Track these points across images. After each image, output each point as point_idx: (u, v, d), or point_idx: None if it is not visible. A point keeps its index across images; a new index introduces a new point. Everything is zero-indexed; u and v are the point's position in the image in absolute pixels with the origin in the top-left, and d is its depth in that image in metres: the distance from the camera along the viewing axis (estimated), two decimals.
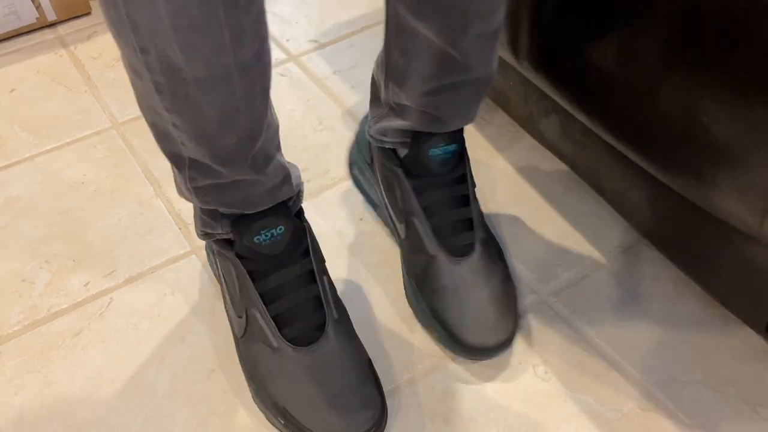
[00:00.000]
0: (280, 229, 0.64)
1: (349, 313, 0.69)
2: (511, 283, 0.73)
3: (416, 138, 0.70)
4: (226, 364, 0.70)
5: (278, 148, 0.63)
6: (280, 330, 0.64)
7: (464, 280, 0.69)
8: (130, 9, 0.45)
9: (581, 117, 0.72)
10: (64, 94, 1.04)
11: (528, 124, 0.89)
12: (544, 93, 0.79)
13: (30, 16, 1.15)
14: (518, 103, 0.89)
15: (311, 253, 0.67)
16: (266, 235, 0.63)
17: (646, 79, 0.60)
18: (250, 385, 0.66)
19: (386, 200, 0.77)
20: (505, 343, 0.68)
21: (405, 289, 0.75)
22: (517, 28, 0.73)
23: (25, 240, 0.83)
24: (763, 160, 0.52)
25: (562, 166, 0.87)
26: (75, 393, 0.68)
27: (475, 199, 0.74)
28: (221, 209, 0.63)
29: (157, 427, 0.66)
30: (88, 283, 0.78)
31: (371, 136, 0.76)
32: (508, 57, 0.78)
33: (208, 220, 0.65)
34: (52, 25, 1.18)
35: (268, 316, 0.64)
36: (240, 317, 0.66)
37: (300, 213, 0.69)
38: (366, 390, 0.63)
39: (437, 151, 0.70)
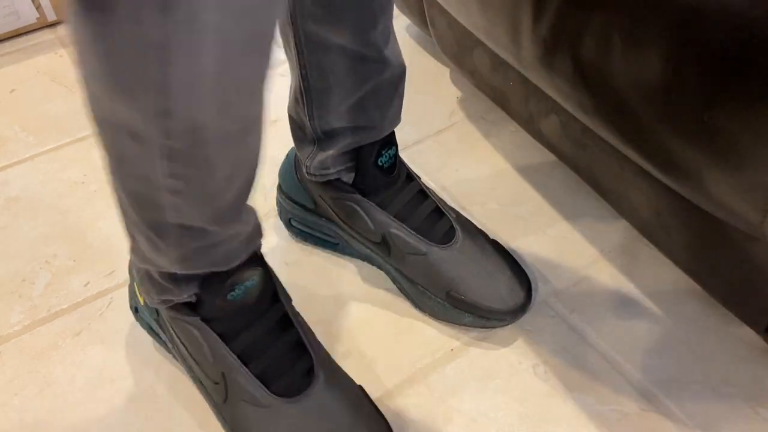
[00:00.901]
0: (253, 281, 0.59)
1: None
2: (500, 245, 0.76)
3: (360, 156, 0.70)
4: None
5: None
6: (268, 387, 0.59)
7: (465, 260, 0.71)
8: (166, 69, 0.37)
9: (581, 117, 0.72)
10: (64, 94, 1.04)
11: (528, 124, 0.89)
12: (544, 93, 0.79)
13: (30, 16, 1.15)
14: (518, 103, 0.89)
15: (280, 296, 0.63)
16: (240, 289, 0.58)
17: (647, 79, 0.60)
18: None
19: (350, 231, 0.76)
20: (530, 295, 0.72)
21: (412, 299, 0.75)
22: (518, 28, 0.73)
23: (25, 240, 0.83)
24: (763, 159, 0.52)
25: (562, 166, 0.87)
26: (75, 393, 0.68)
27: (428, 188, 0.76)
28: (198, 271, 0.57)
29: (157, 427, 0.66)
30: (88, 283, 0.78)
31: (312, 174, 0.73)
32: (508, 57, 0.78)
33: (168, 286, 0.59)
34: (52, 25, 1.18)
35: (252, 375, 0.59)
36: (217, 383, 0.60)
37: (262, 257, 0.63)
38: (368, 418, 0.61)
39: (384, 159, 0.71)
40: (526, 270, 0.74)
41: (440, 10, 0.92)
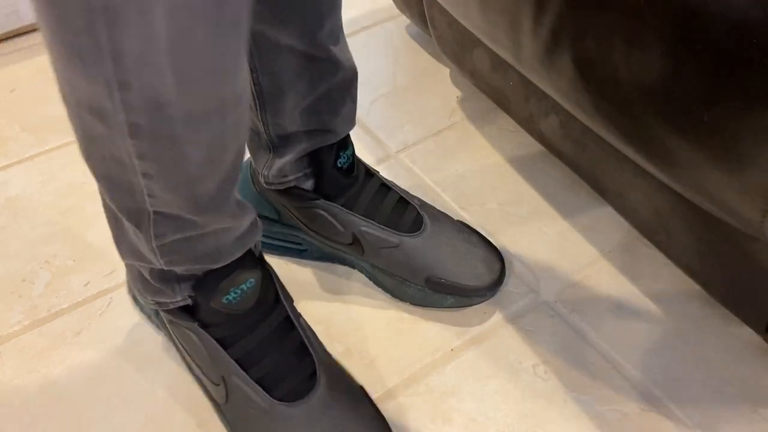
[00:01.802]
0: (250, 283, 0.57)
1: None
2: (465, 223, 0.78)
3: (318, 160, 0.70)
4: None
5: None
6: (269, 392, 0.57)
7: (437, 244, 0.73)
8: (116, 34, 0.36)
9: (581, 117, 0.72)
10: None
11: (528, 124, 0.89)
12: (544, 93, 0.79)
13: (30, 16, 1.15)
14: (518, 103, 0.89)
15: (282, 299, 0.61)
16: (236, 293, 0.56)
17: (647, 79, 0.60)
18: None
19: (317, 237, 0.75)
20: (503, 266, 0.75)
21: (390, 291, 0.75)
22: (518, 28, 0.72)
23: (25, 240, 0.83)
24: (763, 159, 0.52)
25: (562, 166, 0.87)
26: (75, 393, 0.68)
27: (386, 180, 0.76)
28: (182, 268, 0.55)
29: (156, 427, 0.66)
30: (88, 283, 0.78)
31: (270, 183, 0.72)
32: (508, 57, 0.78)
33: (160, 287, 0.57)
34: None
35: (252, 381, 0.57)
36: (217, 385, 0.59)
37: (262, 257, 0.62)
38: (368, 419, 0.61)
39: (342, 160, 0.71)
40: (495, 243, 0.77)
41: (440, 10, 0.92)
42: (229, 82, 0.43)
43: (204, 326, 0.58)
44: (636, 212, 0.75)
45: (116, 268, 0.80)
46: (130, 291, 0.70)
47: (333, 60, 0.64)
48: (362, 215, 0.72)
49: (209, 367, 0.59)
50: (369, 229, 0.72)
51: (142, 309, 0.71)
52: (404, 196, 0.75)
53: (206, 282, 0.56)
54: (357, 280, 0.78)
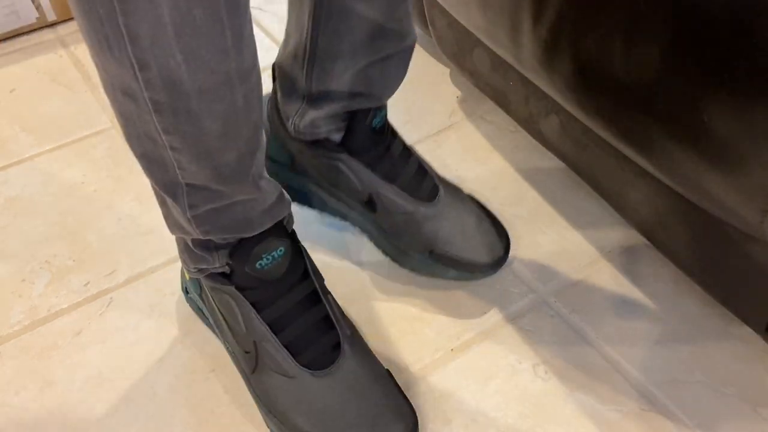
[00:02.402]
0: (281, 251, 0.62)
1: None
2: (475, 198, 0.78)
3: (354, 118, 0.70)
4: (226, 365, 0.70)
5: (264, 165, 0.60)
6: (294, 357, 0.61)
7: (448, 216, 0.73)
8: (129, 20, 0.42)
9: (581, 117, 0.72)
10: (64, 94, 1.04)
11: (528, 124, 0.89)
12: (544, 93, 0.79)
13: (30, 16, 1.15)
14: (518, 103, 0.89)
15: (311, 273, 0.65)
16: (268, 259, 0.61)
17: (647, 79, 0.60)
18: (271, 420, 0.63)
19: (331, 189, 0.75)
20: (508, 243, 0.75)
21: (392, 256, 0.76)
22: (518, 28, 0.73)
23: (25, 240, 0.83)
24: (763, 159, 0.52)
25: (562, 166, 0.87)
26: (75, 393, 0.68)
27: (407, 145, 0.76)
28: (218, 237, 0.60)
29: (156, 427, 0.66)
30: (88, 283, 0.78)
31: (301, 133, 0.72)
32: (508, 57, 0.78)
33: (202, 254, 0.62)
34: (52, 25, 1.18)
35: (280, 344, 0.62)
36: (248, 352, 0.63)
37: (294, 234, 0.66)
38: (395, 402, 0.62)
39: (377, 120, 0.71)
40: (503, 222, 0.77)
41: (440, 11, 0.92)
42: (233, 58, 0.46)
43: (240, 290, 0.62)
44: (636, 212, 0.75)
45: (116, 268, 0.80)
46: (182, 282, 0.74)
47: (402, 32, 0.64)
48: (383, 177, 0.72)
49: (242, 334, 0.63)
50: (387, 192, 0.72)
51: (191, 305, 0.74)
52: (422, 164, 0.75)
53: (241, 249, 0.60)
54: (357, 281, 0.78)
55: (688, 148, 0.58)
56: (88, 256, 0.81)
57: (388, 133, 0.73)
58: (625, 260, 0.79)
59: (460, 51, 0.94)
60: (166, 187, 0.55)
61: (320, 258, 0.80)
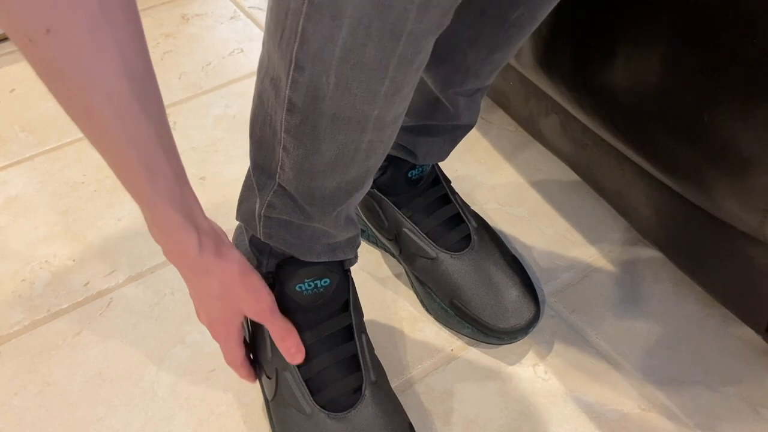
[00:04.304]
0: (326, 282, 0.60)
1: None
2: (518, 262, 0.73)
3: (392, 163, 0.71)
4: (226, 365, 0.70)
5: (355, 209, 0.60)
6: (312, 395, 0.59)
7: (474, 270, 0.70)
8: (308, 24, 0.43)
9: (581, 117, 0.72)
10: None
11: (528, 124, 0.89)
12: (544, 93, 0.79)
13: None
14: (518, 103, 0.89)
15: (351, 307, 0.63)
16: (310, 285, 0.59)
17: (647, 79, 0.59)
18: None
19: (369, 223, 0.77)
20: (535, 319, 0.69)
21: (420, 298, 0.75)
22: None
23: (25, 240, 0.83)
24: (763, 159, 0.52)
25: (562, 166, 0.87)
26: (75, 393, 0.68)
27: (454, 192, 0.75)
28: (278, 248, 0.59)
29: (156, 427, 0.66)
30: (88, 283, 0.78)
31: None
32: None
33: (254, 254, 0.61)
34: None
35: (300, 378, 0.59)
36: (270, 378, 0.61)
37: (348, 270, 0.64)
38: None
39: (413, 173, 0.72)
40: (538, 292, 0.73)
41: None
42: (379, 106, 0.46)
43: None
44: (636, 212, 0.75)
45: (116, 268, 0.80)
46: None
47: (456, 113, 0.66)
48: (409, 218, 0.73)
49: (268, 359, 0.61)
50: (410, 233, 0.72)
51: None
52: (463, 213, 0.73)
53: (288, 264, 0.59)
54: (357, 281, 0.78)
55: (688, 148, 0.58)
56: (88, 256, 0.81)
57: (426, 183, 0.74)
58: (625, 260, 0.79)
59: None
60: (261, 174, 0.55)
61: None
